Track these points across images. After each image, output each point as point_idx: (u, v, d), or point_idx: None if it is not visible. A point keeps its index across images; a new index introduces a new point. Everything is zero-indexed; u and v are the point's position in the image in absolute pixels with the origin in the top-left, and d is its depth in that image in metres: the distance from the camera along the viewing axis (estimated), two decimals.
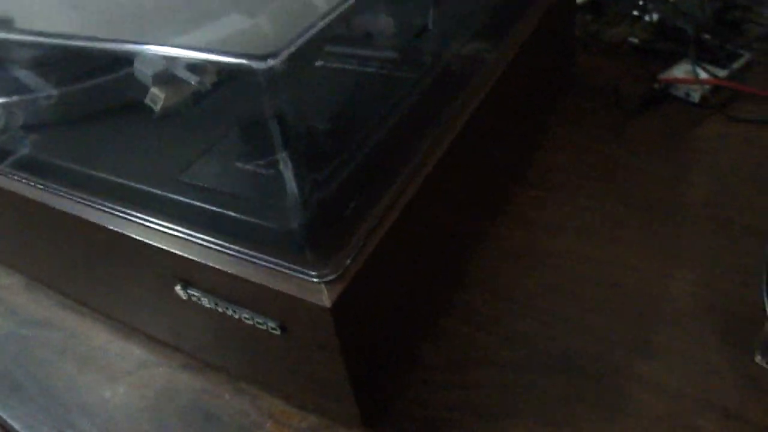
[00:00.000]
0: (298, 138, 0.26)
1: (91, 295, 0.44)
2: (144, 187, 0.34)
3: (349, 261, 0.29)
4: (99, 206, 0.35)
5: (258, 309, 0.31)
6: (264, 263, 0.30)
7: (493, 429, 0.35)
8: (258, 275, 0.30)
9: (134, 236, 0.33)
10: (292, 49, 0.23)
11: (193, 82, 0.29)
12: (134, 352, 0.43)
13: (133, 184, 0.35)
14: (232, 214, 0.31)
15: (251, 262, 0.30)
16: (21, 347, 0.45)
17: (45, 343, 0.45)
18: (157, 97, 0.31)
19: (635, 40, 0.61)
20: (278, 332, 0.31)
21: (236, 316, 0.32)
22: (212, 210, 0.32)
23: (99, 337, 0.45)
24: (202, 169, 0.33)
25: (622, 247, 0.44)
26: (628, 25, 0.63)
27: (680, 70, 0.56)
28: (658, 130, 0.53)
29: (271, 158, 0.30)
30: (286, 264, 0.29)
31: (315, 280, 0.29)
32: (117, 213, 0.34)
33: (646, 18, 0.63)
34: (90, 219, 0.35)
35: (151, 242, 0.33)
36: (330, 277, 0.29)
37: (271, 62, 0.23)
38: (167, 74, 0.30)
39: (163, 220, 0.33)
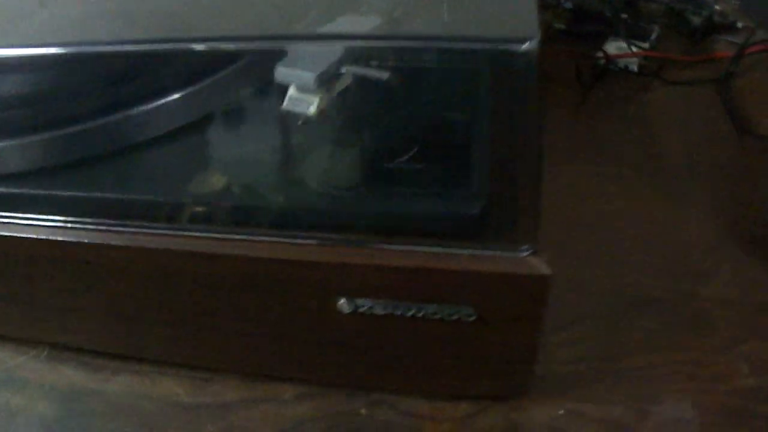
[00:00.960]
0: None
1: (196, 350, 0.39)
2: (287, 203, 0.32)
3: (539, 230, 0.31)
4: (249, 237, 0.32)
5: (449, 299, 0.31)
6: (458, 250, 0.30)
7: (618, 367, 0.39)
8: (455, 263, 0.30)
9: (291, 258, 0.31)
10: (540, 32, 0.24)
11: (383, 77, 0.27)
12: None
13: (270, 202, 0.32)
14: (405, 210, 0.31)
15: (439, 253, 0.30)
16: None
17: None
18: (311, 101, 0.29)
19: (561, 26, 0.69)
20: (472, 318, 0.31)
21: (420, 314, 0.32)
22: (383, 211, 0.31)
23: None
24: (351, 172, 0.32)
25: (637, 202, 0.51)
26: (548, 14, 0.72)
27: (612, 47, 0.65)
28: (614, 99, 0.62)
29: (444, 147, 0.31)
30: (485, 245, 0.30)
31: (524, 253, 0.30)
32: (269, 239, 0.32)
33: (564, 5, 0.71)
34: (236, 252, 0.32)
35: (312, 260, 0.31)
36: (533, 249, 0.30)
37: (529, 45, 0.24)
38: (331, 73, 0.29)
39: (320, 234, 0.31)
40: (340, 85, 0.31)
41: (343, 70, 0.28)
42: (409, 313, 0.32)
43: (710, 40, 0.67)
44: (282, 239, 0.32)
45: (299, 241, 0.32)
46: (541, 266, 0.30)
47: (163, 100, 0.33)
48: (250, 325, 0.36)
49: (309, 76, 0.29)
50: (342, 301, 0.32)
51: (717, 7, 0.68)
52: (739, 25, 0.67)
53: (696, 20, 0.66)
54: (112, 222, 0.33)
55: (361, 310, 0.32)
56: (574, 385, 0.39)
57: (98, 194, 0.34)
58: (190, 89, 0.34)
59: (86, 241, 0.33)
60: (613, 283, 0.44)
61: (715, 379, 0.39)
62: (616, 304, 0.43)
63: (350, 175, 0.32)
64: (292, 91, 0.30)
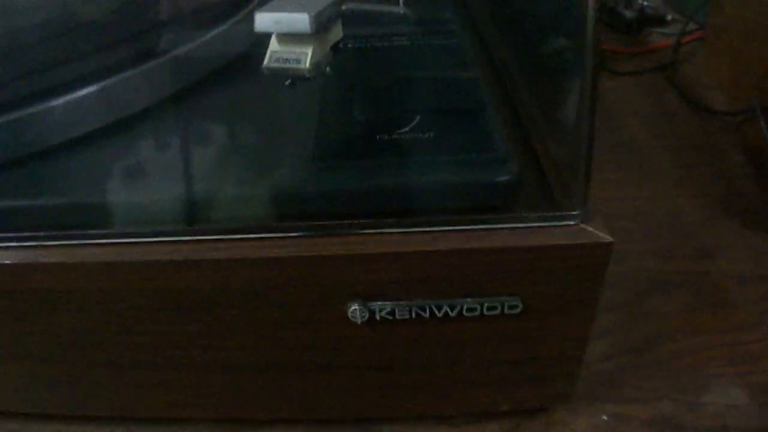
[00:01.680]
0: None
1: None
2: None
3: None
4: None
5: (490, 288, 0.25)
6: (496, 225, 0.24)
7: (653, 359, 0.35)
8: (494, 240, 0.24)
9: (286, 256, 0.24)
10: None
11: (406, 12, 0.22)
12: None
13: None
14: (425, 181, 0.25)
15: (473, 230, 0.24)
16: None
17: None
18: (301, 53, 0.23)
19: None
20: (518, 310, 0.25)
21: (453, 313, 0.25)
22: (397, 185, 0.25)
23: None
24: (354, 141, 0.26)
25: (618, 188, 0.48)
26: None
27: None
28: None
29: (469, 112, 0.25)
30: (528, 215, 0.24)
31: (577, 220, 0.24)
32: (254, 236, 0.24)
33: None
34: (211, 256, 0.24)
35: (311, 254, 0.24)
36: (585, 214, 0.25)
37: None
38: (328, 15, 0.22)
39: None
40: (334, 36, 0.25)
41: (346, 6, 0.23)
42: (440, 313, 0.26)
43: (644, 33, 0.68)
44: (272, 234, 0.25)
45: (294, 234, 0.25)
46: (600, 233, 0.24)
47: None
48: (230, 354, 0.28)
49: (302, 18, 0.22)
50: (354, 307, 0.25)
51: (645, 2, 0.69)
52: (669, 17, 0.68)
53: (629, 14, 0.67)
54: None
55: (380, 315, 0.25)
56: (611, 385, 0.34)
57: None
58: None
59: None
60: (621, 271, 0.40)
61: (755, 358, 0.35)
62: (632, 293, 0.39)
63: (354, 145, 0.26)
64: (274, 44, 0.24)
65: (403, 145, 0.26)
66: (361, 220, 0.25)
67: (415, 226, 0.25)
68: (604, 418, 0.32)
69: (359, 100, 0.28)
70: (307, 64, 0.23)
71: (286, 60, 0.23)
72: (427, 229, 0.25)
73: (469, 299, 0.25)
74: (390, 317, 0.26)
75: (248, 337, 0.27)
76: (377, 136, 0.27)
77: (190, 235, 0.25)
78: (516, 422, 0.31)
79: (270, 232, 0.25)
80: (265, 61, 0.24)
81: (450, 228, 0.25)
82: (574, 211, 0.25)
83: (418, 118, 0.27)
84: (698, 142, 0.53)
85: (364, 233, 0.25)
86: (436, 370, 0.28)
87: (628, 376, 0.34)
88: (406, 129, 0.27)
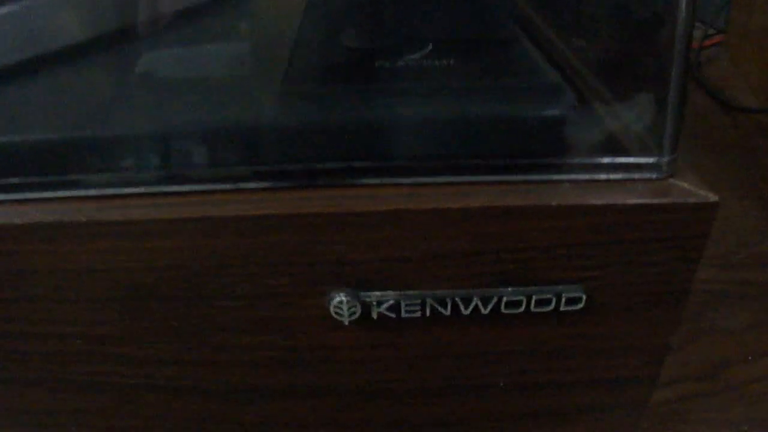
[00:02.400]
0: None
1: None
2: None
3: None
4: None
5: (538, 273, 0.17)
6: (559, 175, 0.17)
7: (724, 385, 0.27)
8: (545, 195, 0.16)
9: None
10: None
11: None
12: None
13: None
14: (437, 116, 0.17)
15: (527, 182, 0.16)
16: None
17: None
18: None
19: None
20: (580, 304, 0.17)
21: (484, 309, 0.17)
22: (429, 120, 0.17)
23: None
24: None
25: None
26: None
27: None
28: None
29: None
30: (601, 165, 0.17)
31: (656, 174, 0.17)
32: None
33: None
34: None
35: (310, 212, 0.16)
36: (674, 168, 0.17)
37: None
38: None
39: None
40: None
41: None
42: (467, 309, 0.17)
43: None
44: (222, 185, 0.17)
45: (254, 185, 0.17)
46: (698, 189, 0.17)
47: None
48: (151, 372, 0.19)
49: None
50: (339, 298, 0.17)
51: None
52: None
53: None
54: None
55: (377, 312, 0.17)
56: (675, 418, 0.25)
57: None
58: None
59: None
60: None
61: None
62: (690, 305, 0.31)
63: (346, 67, 0.18)
64: None
65: (412, 72, 0.19)
66: (354, 164, 0.17)
67: (432, 175, 0.17)
68: None
69: (355, 17, 0.20)
70: None
71: None
72: (450, 179, 0.17)
73: (509, 288, 0.17)
74: (392, 315, 0.17)
75: (179, 347, 0.19)
76: (378, 62, 0.19)
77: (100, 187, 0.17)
78: None
79: (219, 182, 0.17)
80: None
81: (482, 179, 0.17)
82: (659, 158, 0.17)
83: (430, 44, 0.20)
84: (734, 141, 0.47)
85: (357, 184, 0.17)
86: (453, 398, 0.19)
87: (696, 407, 0.26)
88: (417, 55, 0.19)
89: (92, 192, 0.17)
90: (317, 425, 0.20)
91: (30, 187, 0.17)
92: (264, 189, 0.17)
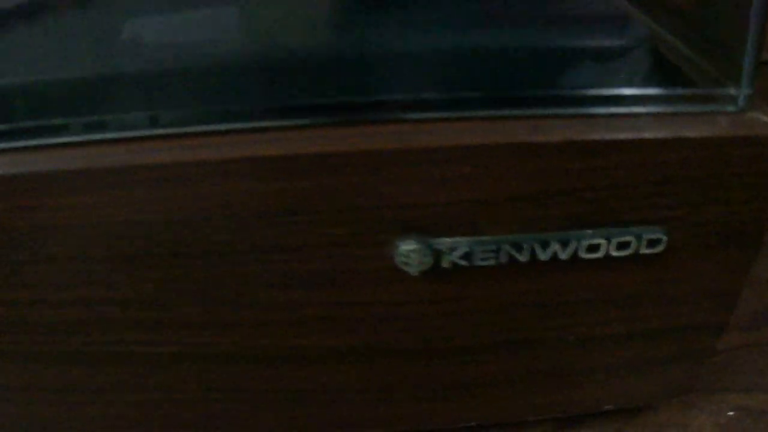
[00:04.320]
0: None
1: None
2: None
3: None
4: None
5: (618, 214, 0.15)
6: (629, 108, 0.15)
7: None
8: (622, 129, 0.15)
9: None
10: None
11: None
12: None
13: None
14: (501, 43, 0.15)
15: (598, 116, 0.15)
16: None
17: None
18: None
19: None
20: (660, 246, 0.16)
21: (562, 254, 0.16)
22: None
23: None
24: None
25: None
26: None
27: None
28: None
29: None
30: (673, 97, 0.15)
31: (732, 107, 0.15)
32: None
33: None
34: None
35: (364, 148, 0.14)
36: (753, 101, 0.16)
37: None
38: None
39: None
40: None
41: None
42: (545, 254, 0.16)
43: None
44: (271, 122, 0.15)
45: (305, 121, 0.15)
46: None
47: None
48: (183, 336, 0.17)
49: None
50: (407, 247, 0.15)
51: None
52: None
53: None
54: None
55: (449, 261, 0.16)
56: (730, 370, 0.25)
57: None
58: None
59: None
60: None
61: None
62: None
63: None
64: None
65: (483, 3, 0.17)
66: (423, 96, 0.15)
67: (507, 107, 0.15)
68: (731, 413, 0.23)
69: None
70: None
71: None
72: (526, 112, 0.15)
73: (589, 231, 0.16)
74: (465, 263, 0.16)
75: (217, 308, 0.17)
76: None
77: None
78: (616, 427, 0.22)
79: (268, 118, 0.15)
80: None
81: (559, 111, 0.15)
82: (737, 90, 0.16)
83: None
84: None
85: (425, 119, 0.15)
86: (522, 355, 0.18)
87: (750, 359, 0.25)
88: None
89: (123, 134, 0.15)
90: (366, 391, 0.18)
91: (49, 131, 0.14)
92: (319, 125, 0.15)
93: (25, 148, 0.14)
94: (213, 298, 0.17)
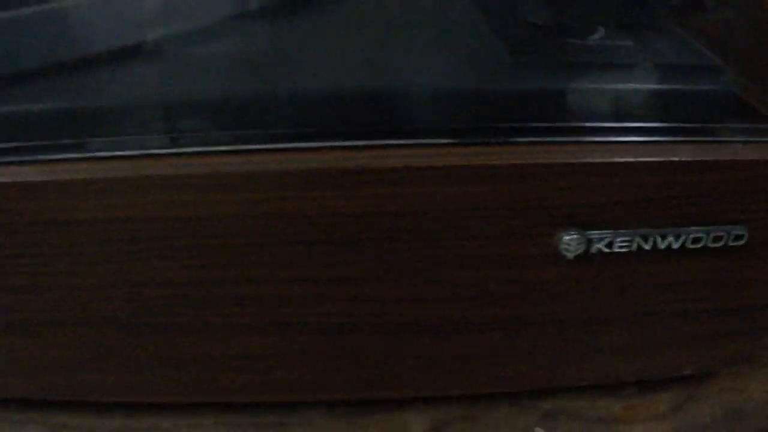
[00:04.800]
0: None
1: None
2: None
3: None
4: None
5: (715, 215, 0.21)
6: (732, 137, 0.21)
7: None
8: (731, 152, 0.20)
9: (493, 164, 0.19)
10: None
11: None
12: None
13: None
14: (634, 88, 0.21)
15: (706, 143, 0.21)
16: None
17: None
18: None
19: None
20: (743, 240, 0.22)
21: (675, 244, 0.21)
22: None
23: None
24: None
25: None
26: None
27: None
28: None
29: None
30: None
31: None
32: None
33: None
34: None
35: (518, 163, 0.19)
36: None
37: None
38: None
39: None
40: None
41: None
42: (663, 244, 0.21)
43: None
44: (461, 140, 0.20)
45: (496, 140, 0.20)
46: None
47: None
48: (382, 309, 0.22)
49: None
50: (569, 237, 0.21)
51: None
52: None
53: None
54: None
55: (596, 248, 0.21)
56: None
57: None
58: None
59: None
60: None
61: None
62: None
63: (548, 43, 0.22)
64: None
65: (598, 50, 0.23)
66: (586, 125, 0.21)
67: (639, 135, 0.21)
68: None
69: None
70: None
71: None
72: (653, 138, 0.21)
73: (694, 227, 0.22)
74: (607, 250, 0.21)
75: (413, 284, 0.22)
76: (568, 39, 0.23)
77: (342, 139, 0.20)
78: (690, 392, 0.27)
79: (460, 137, 0.20)
80: None
81: (677, 138, 0.21)
82: None
83: (601, 27, 0.24)
84: None
85: (583, 141, 0.21)
86: (639, 325, 0.24)
87: None
88: (597, 36, 0.23)
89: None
90: (523, 353, 0.24)
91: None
92: (504, 143, 0.21)
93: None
94: (412, 277, 0.22)
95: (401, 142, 0.20)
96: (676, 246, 0.22)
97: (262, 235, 0.20)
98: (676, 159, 0.21)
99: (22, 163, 0.20)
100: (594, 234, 0.21)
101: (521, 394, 0.26)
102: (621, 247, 0.21)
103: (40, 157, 0.20)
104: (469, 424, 0.25)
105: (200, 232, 0.20)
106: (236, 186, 0.20)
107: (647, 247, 0.21)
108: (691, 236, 0.22)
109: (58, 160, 0.20)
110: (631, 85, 0.21)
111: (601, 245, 0.21)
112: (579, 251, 0.21)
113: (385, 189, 0.20)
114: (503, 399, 0.26)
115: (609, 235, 0.21)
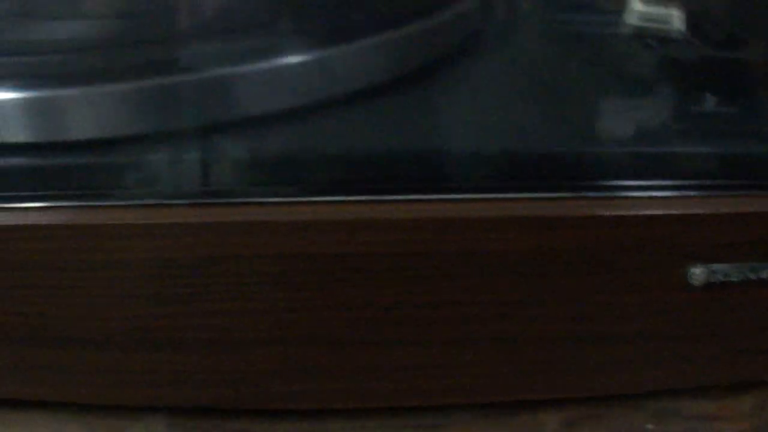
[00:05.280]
0: None
1: None
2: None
3: None
4: None
5: None
6: None
7: None
8: None
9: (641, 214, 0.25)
10: None
11: None
12: None
13: None
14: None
15: None
16: None
17: None
18: (668, 15, 0.24)
19: None
20: None
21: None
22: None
23: None
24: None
25: None
26: None
27: None
28: None
29: None
30: None
31: None
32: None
33: None
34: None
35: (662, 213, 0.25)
36: None
37: None
38: None
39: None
40: None
41: None
42: (765, 275, 0.27)
43: None
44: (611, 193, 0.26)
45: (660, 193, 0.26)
46: None
47: None
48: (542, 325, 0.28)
49: None
50: (695, 270, 0.26)
51: None
52: None
53: None
54: None
55: (717, 279, 0.27)
56: None
57: None
58: None
59: None
60: None
61: None
62: None
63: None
64: (636, 3, 0.25)
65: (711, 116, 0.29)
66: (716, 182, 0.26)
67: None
68: None
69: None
70: (676, 26, 0.25)
71: (654, 20, 0.25)
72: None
73: None
74: (724, 279, 0.27)
75: (566, 305, 0.27)
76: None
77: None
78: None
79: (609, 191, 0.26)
80: (630, 19, 0.25)
81: None
82: None
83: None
84: None
85: (713, 195, 0.26)
86: (732, 337, 0.29)
87: None
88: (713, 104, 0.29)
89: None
90: (643, 362, 0.29)
91: None
92: (647, 198, 0.26)
93: None
94: (567, 301, 0.27)
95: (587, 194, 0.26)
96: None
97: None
98: None
99: None
100: (716, 267, 0.26)
101: (636, 396, 0.31)
102: (735, 277, 0.27)
103: None
104: (594, 422, 0.30)
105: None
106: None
107: (753, 277, 0.27)
108: None
109: None
110: (740, 149, 0.27)
111: (720, 276, 0.27)
112: (704, 281, 0.26)
113: (562, 232, 0.25)
114: (623, 400, 0.31)
115: (726, 268, 0.27)
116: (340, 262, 0.25)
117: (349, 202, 0.24)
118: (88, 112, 0.27)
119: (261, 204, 0.25)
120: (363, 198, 0.24)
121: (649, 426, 0.31)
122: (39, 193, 0.25)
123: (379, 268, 0.25)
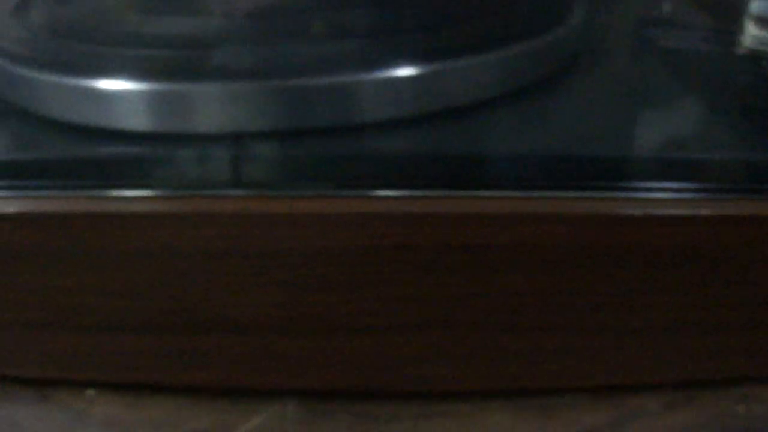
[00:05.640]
0: None
1: None
2: None
3: None
4: None
5: None
6: None
7: None
8: None
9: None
10: None
11: None
12: None
13: None
14: None
15: None
16: None
17: None
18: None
19: None
20: None
21: None
22: None
23: None
24: None
25: None
26: None
27: None
28: None
29: None
30: None
31: None
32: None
33: None
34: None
35: None
36: None
37: None
38: None
39: None
40: None
41: None
42: None
43: None
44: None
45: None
46: None
47: None
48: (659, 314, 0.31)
49: None
50: None
51: None
52: None
53: None
54: None
55: None
56: None
57: None
58: None
59: None
60: None
61: None
62: None
63: None
64: (751, 27, 0.28)
65: None
66: None
67: None
68: None
69: None
70: None
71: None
72: None
73: None
74: None
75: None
76: None
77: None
78: None
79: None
80: (746, 42, 0.28)
81: None
82: None
83: None
84: None
85: None
86: None
87: None
88: None
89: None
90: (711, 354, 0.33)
91: None
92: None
93: None
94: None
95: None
96: None
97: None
98: None
99: None
100: None
101: (723, 381, 0.34)
102: None
103: None
104: (690, 404, 0.33)
105: None
106: None
107: None
108: None
109: None
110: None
111: None
112: None
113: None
114: (713, 385, 0.34)
115: None
116: (499, 252, 0.27)
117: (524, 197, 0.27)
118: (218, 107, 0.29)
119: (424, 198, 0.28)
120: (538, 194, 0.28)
121: (740, 409, 0.34)
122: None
123: (550, 259, 0.28)
